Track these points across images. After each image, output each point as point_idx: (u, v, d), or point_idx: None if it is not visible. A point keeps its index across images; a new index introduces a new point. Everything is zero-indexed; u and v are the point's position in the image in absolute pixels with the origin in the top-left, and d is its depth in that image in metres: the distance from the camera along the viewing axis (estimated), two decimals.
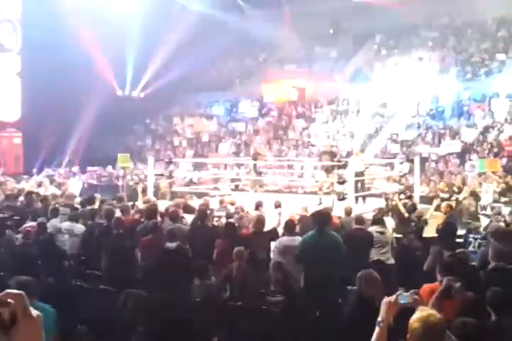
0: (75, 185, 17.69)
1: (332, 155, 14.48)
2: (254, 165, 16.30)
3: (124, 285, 6.34)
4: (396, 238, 9.52)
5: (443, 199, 12.80)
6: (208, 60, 26.85)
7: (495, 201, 13.19)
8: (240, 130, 25.78)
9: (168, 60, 25.10)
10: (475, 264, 6.86)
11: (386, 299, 3.53)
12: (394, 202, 11.80)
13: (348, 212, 10.19)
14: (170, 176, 17.53)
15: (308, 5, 24.23)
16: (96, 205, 10.64)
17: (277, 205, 10.67)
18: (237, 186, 17.09)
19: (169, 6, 24.17)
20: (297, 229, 8.61)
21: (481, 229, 10.34)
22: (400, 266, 8.67)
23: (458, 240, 9.96)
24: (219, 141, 25.41)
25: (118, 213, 9.45)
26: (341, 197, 12.92)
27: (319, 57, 27.53)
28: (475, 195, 13.51)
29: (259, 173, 16.29)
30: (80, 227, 9.20)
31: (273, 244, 8.24)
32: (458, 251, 7.39)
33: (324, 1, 24.47)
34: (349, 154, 17.15)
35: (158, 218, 9.24)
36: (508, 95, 22.04)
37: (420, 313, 3.32)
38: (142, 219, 9.33)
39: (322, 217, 7.44)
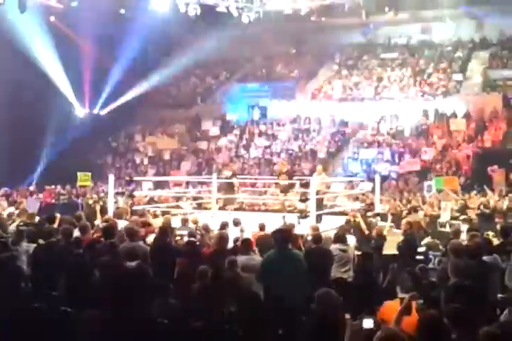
0: (32, 204, 17.31)
1: (289, 175, 14.50)
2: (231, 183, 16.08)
3: (84, 306, 6.20)
4: (358, 255, 9.54)
5: (400, 217, 12.98)
6: (169, 77, 26.84)
7: (453, 218, 13.37)
8: (201, 148, 25.72)
9: (129, 77, 25.01)
10: (435, 281, 6.90)
11: (350, 324, 3.52)
12: (357, 220, 11.86)
13: (315, 230, 10.15)
14: (130, 195, 17.31)
15: (270, 24, 24.45)
16: (56, 224, 10.44)
17: (236, 223, 10.67)
18: (199, 204, 16.99)
19: (128, 23, 24.07)
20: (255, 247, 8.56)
21: (441, 247, 10.45)
22: (359, 283, 8.67)
23: (418, 257, 10.05)
24: (181, 159, 25.28)
25: (77, 232, 9.28)
26: (303, 215, 12.92)
27: (281, 76, 27.78)
28: (431, 213, 13.68)
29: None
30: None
31: None
32: (418, 267, 7.45)
33: (286, 20, 24.75)
34: (311, 172, 17.22)
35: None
36: (465, 115, 22.52)
37: (383, 334, 3.32)
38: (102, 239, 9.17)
39: (282, 236, 7.39)
